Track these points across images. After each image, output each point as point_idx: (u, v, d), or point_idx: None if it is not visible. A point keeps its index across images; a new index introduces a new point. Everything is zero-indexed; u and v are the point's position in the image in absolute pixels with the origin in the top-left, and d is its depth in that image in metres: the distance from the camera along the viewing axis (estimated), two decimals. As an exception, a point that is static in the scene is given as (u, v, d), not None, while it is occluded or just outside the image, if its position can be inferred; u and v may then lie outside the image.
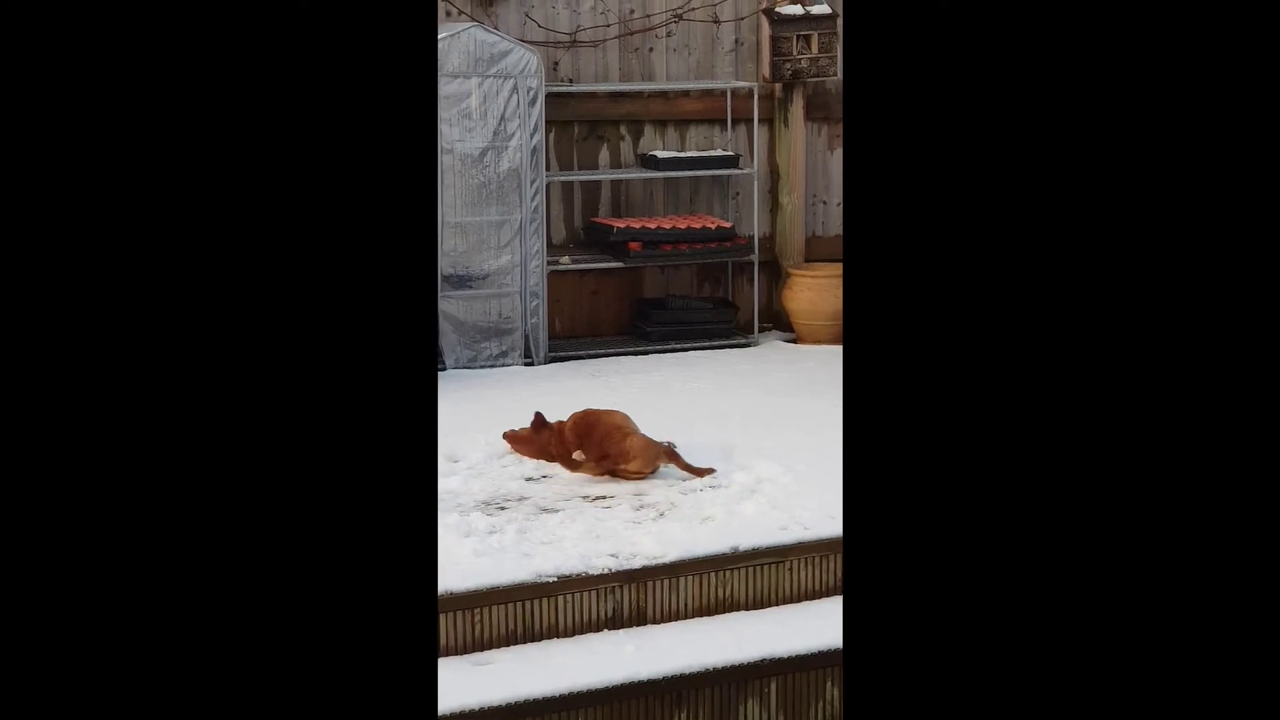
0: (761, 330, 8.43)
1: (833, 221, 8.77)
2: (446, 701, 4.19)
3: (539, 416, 5.83)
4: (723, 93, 8.41)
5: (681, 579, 4.82)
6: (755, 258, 8.32)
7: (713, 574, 4.86)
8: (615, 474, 5.61)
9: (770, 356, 8.02)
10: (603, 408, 5.87)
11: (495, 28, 7.82)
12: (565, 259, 8.02)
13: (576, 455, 5.67)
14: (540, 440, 5.80)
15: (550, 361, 7.78)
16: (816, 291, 8.28)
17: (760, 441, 6.02)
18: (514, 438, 5.93)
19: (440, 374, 7.47)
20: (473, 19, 7.84)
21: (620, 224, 8.10)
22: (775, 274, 8.59)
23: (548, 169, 7.86)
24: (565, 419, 5.79)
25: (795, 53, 8.35)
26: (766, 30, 8.43)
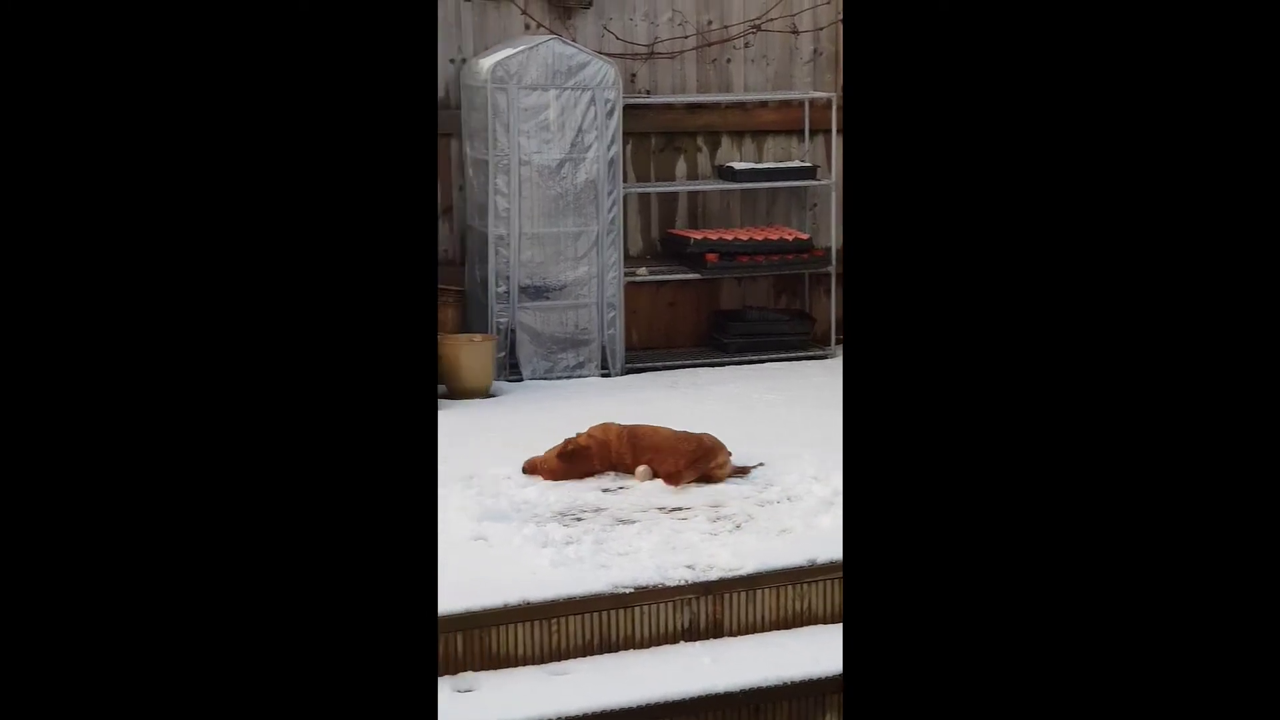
0: (838, 342, 8.39)
1: (911, 233, 8.73)
2: (522, 711, 4.21)
3: (570, 444, 5.77)
4: (800, 103, 8.39)
5: (758, 591, 4.81)
6: (832, 269, 8.30)
7: (790, 586, 4.84)
8: (710, 477, 5.66)
9: (847, 368, 7.98)
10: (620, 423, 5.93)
11: (573, 40, 7.85)
12: (642, 270, 8.03)
13: (642, 471, 5.66)
14: (575, 465, 5.74)
15: (627, 373, 7.78)
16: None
17: (837, 454, 5.99)
18: (542, 468, 5.78)
19: (516, 385, 7.50)
20: (551, 32, 7.87)
21: (697, 235, 8.10)
22: (852, 286, 8.55)
23: (625, 180, 7.87)
24: (588, 434, 5.79)
25: (873, 64, 8.32)
26: (844, 40, 8.42)
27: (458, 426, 6.59)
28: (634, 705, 4.34)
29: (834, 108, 8.29)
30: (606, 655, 4.63)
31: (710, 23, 8.30)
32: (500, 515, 5.22)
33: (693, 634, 4.74)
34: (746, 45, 8.36)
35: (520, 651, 4.53)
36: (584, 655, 4.61)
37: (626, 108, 7.75)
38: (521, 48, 7.50)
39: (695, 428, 6.47)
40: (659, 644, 4.70)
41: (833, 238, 8.31)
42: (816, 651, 4.64)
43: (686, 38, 8.25)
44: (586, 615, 4.61)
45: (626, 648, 4.66)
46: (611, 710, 4.32)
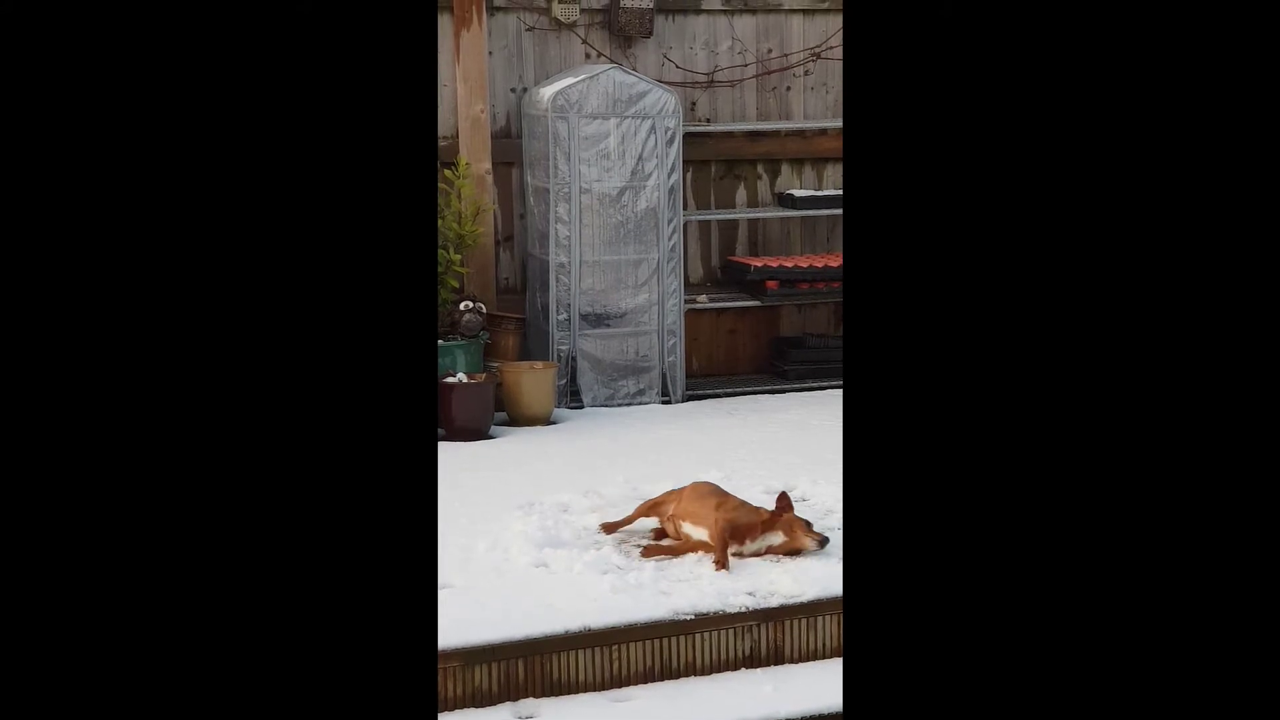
0: (899, 369, 8.38)
1: (971, 259, 8.71)
2: (585, 737, 4.22)
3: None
4: (860, 131, 8.38)
5: (820, 618, 4.80)
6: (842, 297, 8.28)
7: (851, 613, 4.83)
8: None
9: (908, 395, 7.96)
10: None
11: (634, 69, 7.89)
12: (703, 297, 8.04)
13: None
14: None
15: (687, 400, 7.79)
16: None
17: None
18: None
19: (577, 411, 7.52)
20: (612, 61, 7.91)
21: (758, 263, 8.11)
22: (913, 312, 8.54)
23: (685, 208, 7.89)
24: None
25: (933, 90, 8.31)
26: (904, 68, 8.41)
27: (519, 453, 6.62)
28: (695, 732, 4.35)
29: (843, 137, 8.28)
30: (668, 682, 4.63)
31: (770, 51, 8.32)
32: (561, 542, 5.23)
33: (754, 661, 4.73)
34: (806, 73, 8.37)
35: (582, 678, 4.54)
36: (645, 682, 4.61)
37: (687, 136, 7.78)
38: (582, 76, 7.54)
39: (756, 455, 6.48)
40: (720, 670, 4.69)
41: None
42: (878, 679, 4.63)
43: (746, 65, 8.27)
44: (648, 642, 4.61)
45: (688, 674, 4.66)
46: (673, 737, 4.32)
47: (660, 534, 5.32)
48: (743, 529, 5.07)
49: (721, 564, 4.96)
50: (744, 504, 5.22)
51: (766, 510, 5.15)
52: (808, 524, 5.13)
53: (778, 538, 5.09)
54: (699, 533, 5.13)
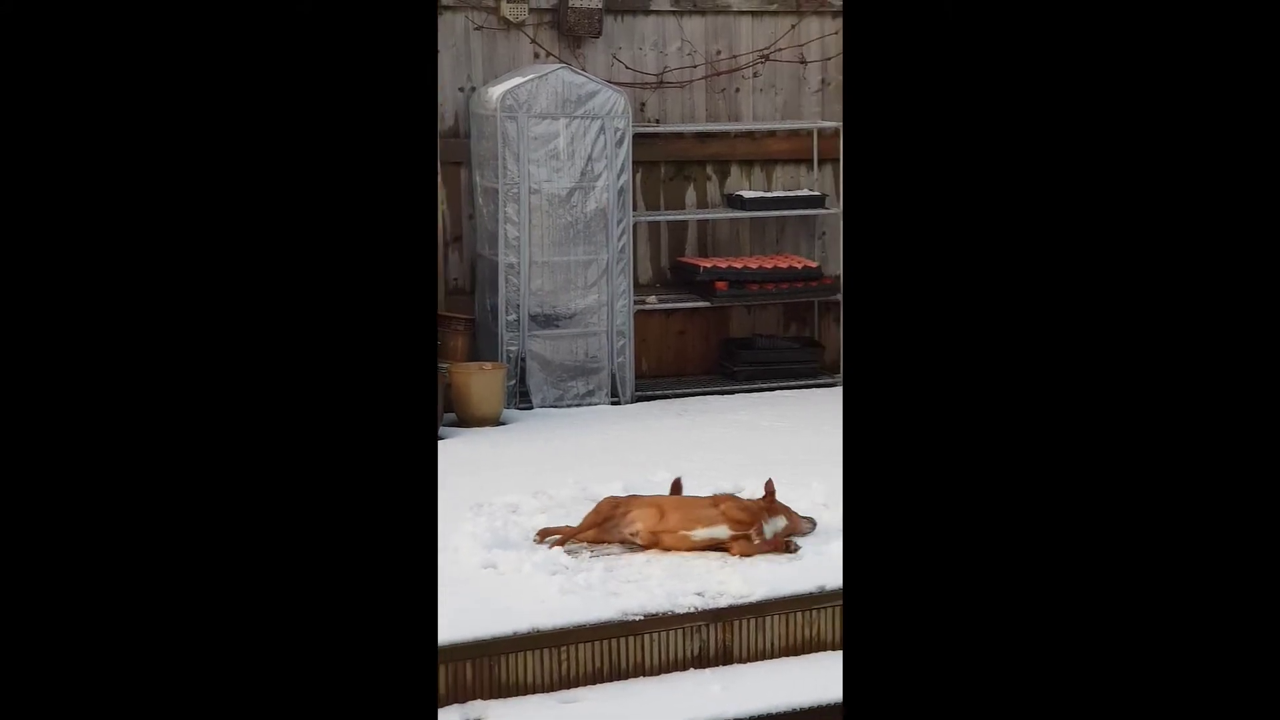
0: (848, 370, 8.40)
1: (920, 261, 8.74)
2: (533, 739, 4.21)
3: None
4: (809, 132, 8.41)
5: (768, 618, 4.81)
6: (841, 297, 8.31)
7: (800, 613, 4.84)
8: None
9: (857, 396, 7.99)
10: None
11: (583, 69, 7.88)
12: (652, 298, 8.05)
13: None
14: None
15: (636, 400, 7.79)
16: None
17: (847, 481, 6.00)
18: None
19: (527, 413, 7.51)
20: (561, 61, 7.91)
21: (707, 264, 8.12)
22: (862, 313, 8.56)
23: (634, 209, 7.89)
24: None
25: (882, 92, 8.34)
26: (853, 70, 8.43)
27: (468, 454, 6.60)
28: (644, 733, 4.35)
29: (842, 137, 8.31)
30: (616, 683, 4.62)
31: (719, 52, 8.33)
32: (510, 543, 5.22)
33: (702, 661, 4.73)
34: (755, 75, 8.39)
35: (530, 680, 4.53)
36: (594, 683, 4.60)
37: (636, 136, 7.78)
38: (531, 76, 7.53)
39: (705, 456, 6.49)
40: (669, 671, 4.69)
41: (841, 266, 8.32)
42: (826, 678, 4.63)
43: (695, 67, 8.28)
44: (596, 643, 4.61)
45: (636, 675, 4.66)
46: (621, 738, 4.32)
47: (602, 544, 5.23)
48: (757, 516, 5.21)
49: (759, 548, 5.12)
50: (732, 497, 5.33)
51: (758, 500, 5.28)
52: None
53: (782, 522, 5.24)
54: (716, 531, 5.15)
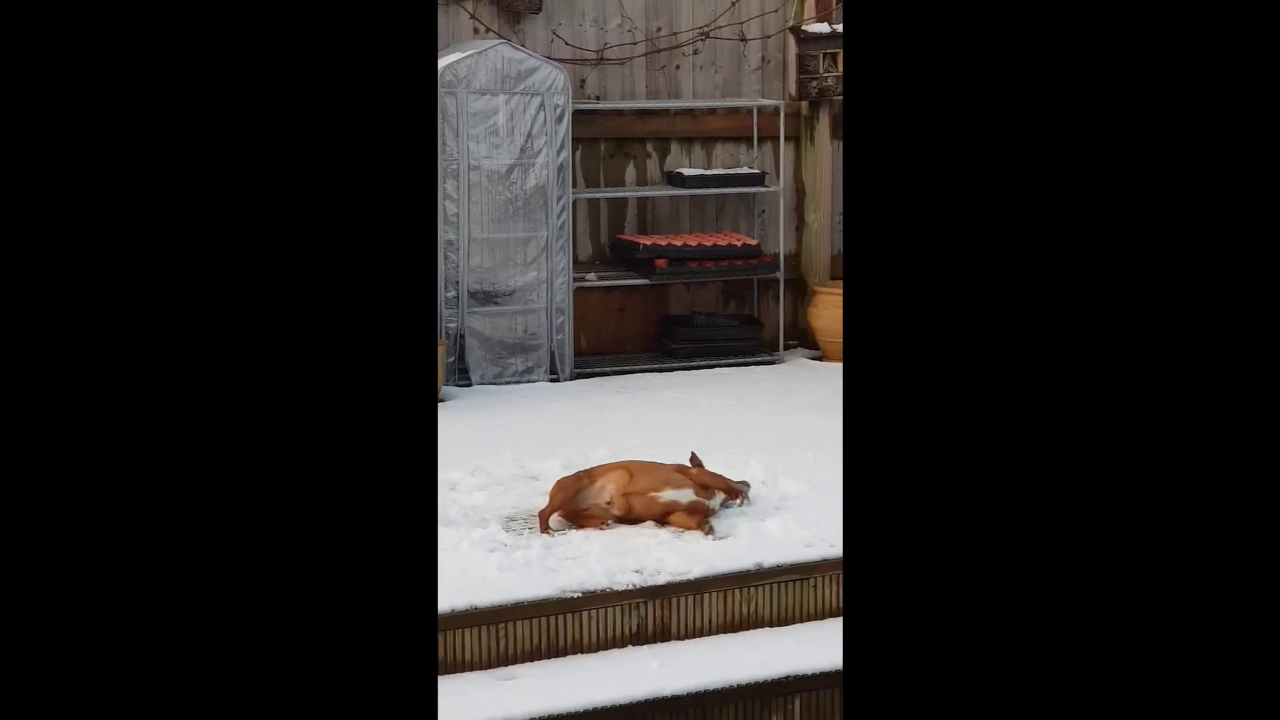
0: (787, 347, 8.43)
1: (858, 239, 8.77)
2: (471, 716, 4.20)
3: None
4: (749, 110, 8.42)
5: (706, 595, 4.82)
6: (781, 275, 8.34)
7: (737, 590, 4.86)
8: (738, 495, 5.41)
9: (795, 374, 8.03)
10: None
11: (523, 45, 7.85)
12: (591, 276, 8.04)
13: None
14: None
15: (576, 378, 7.79)
16: (841, 309, 8.29)
17: (785, 458, 6.03)
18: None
19: (466, 390, 7.50)
20: (500, 36, 7.88)
21: (646, 241, 8.12)
22: (801, 291, 8.60)
23: (574, 186, 7.88)
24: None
25: (822, 70, 8.37)
26: (793, 48, 8.45)
27: (406, 431, 6.58)
28: (582, 709, 4.35)
29: (782, 115, 8.33)
30: (554, 660, 4.63)
31: (659, 29, 8.32)
32: (449, 520, 5.21)
33: (640, 638, 4.75)
34: (695, 52, 8.39)
35: (468, 656, 4.53)
36: (532, 660, 4.61)
37: (576, 113, 7.76)
38: (470, 52, 7.50)
39: (644, 433, 6.50)
40: (607, 648, 4.71)
41: (781, 243, 8.34)
42: (763, 655, 4.66)
43: (636, 44, 8.26)
44: (534, 620, 4.61)
45: (574, 652, 4.67)
46: (559, 715, 4.32)
47: (577, 518, 5.22)
48: (724, 484, 5.36)
49: (737, 494, 5.36)
50: (681, 466, 5.42)
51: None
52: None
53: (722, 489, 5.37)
54: (681, 494, 5.20)
